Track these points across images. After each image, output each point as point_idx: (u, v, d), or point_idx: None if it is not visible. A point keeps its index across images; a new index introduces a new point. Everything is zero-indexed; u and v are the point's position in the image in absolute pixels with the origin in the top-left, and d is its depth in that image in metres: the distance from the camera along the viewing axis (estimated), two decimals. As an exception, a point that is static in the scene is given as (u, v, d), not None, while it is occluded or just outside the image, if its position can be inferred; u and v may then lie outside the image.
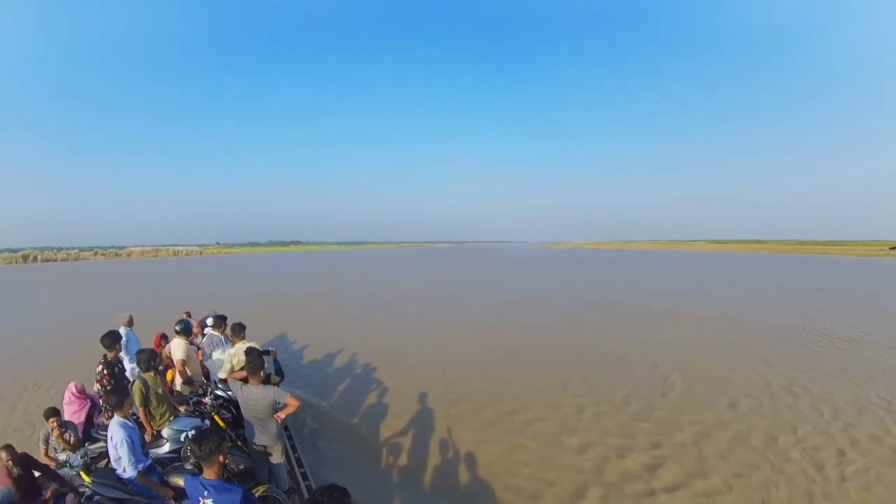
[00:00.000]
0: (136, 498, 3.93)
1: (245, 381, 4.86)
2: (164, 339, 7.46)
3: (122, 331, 7.30)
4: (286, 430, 5.85)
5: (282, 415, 4.69)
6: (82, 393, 5.92)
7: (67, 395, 5.88)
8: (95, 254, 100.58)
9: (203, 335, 7.89)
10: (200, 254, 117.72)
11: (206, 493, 2.95)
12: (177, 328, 6.89)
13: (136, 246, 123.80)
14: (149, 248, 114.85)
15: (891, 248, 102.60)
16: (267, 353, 6.04)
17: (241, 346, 6.06)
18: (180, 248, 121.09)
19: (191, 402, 6.07)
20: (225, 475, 3.23)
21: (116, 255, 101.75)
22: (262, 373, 4.70)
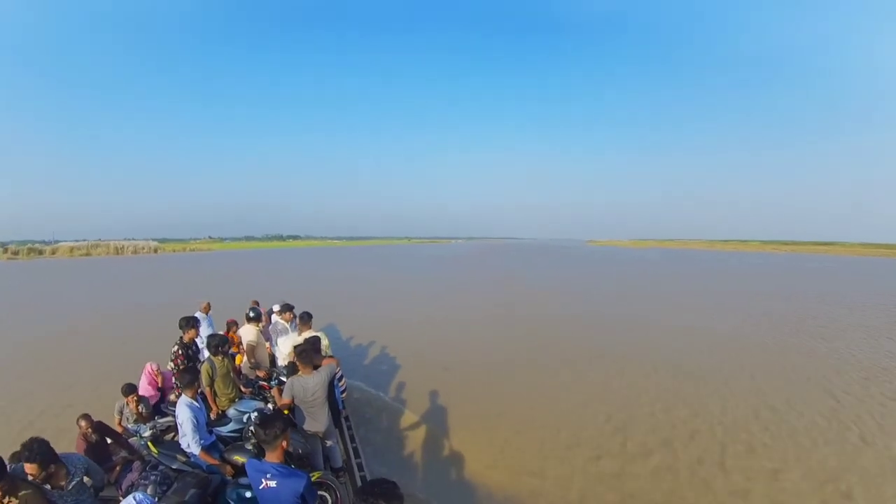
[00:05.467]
0: (196, 471, 3.94)
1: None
2: (235, 325, 7.70)
3: (198, 315, 7.63)
4: (346, 420, 5.77)
5: (343, 383, 4.61)
6: (158, 371, 6.15)
7: (144, 373, 6.13)
8: (5, 251, 75.36)
9: (270, 322, 8.08)
10: (155, 251, 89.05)
11: (269, 475, 2.92)
12: (249, 314, 7.11)
13: (78, 241, 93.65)
14: (81, 244, 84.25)
15: None
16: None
17: (308, 335, 6.07)
18: (124, 244, 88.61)
19: (255, 386, 6.19)
20: (286, 460, 3.21)
21: (40, 252, 74.70)
22: (312, 362, 4.66)
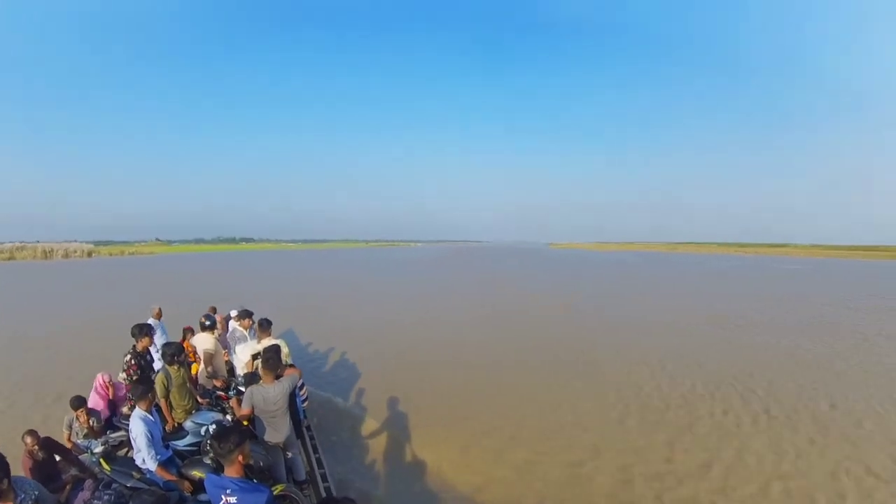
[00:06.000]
0: (153, 488, 3.85)
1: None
2: (191, 332, 7.49)
3: (151, 322, 7.37)
4: (308, 430, 5.72)
5: (304, 392, 4.60)
6: (109, 383, 5.93)
7: (95, 385, 5.90)
8: None
9: (227, 329, 7.91)
10: (90, 255, 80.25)
11: (228, 490, 2.86)
12: (205, 322, 6.94)
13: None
14: (4, 247, 75.01)
15: None
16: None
17: (267, 343, 5.98)
18: (53, 247, 77.80)
19: (213, 396, 6.06)
20: (247, 473, 3.15)
21: None
22: (277, 371, 4.63)
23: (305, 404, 5.82)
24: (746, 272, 48.80)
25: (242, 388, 5.93)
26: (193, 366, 6.66)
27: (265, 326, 6.39)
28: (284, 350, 6.07)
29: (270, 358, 4.61)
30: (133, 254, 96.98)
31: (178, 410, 5.14)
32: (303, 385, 5.75)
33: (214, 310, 8.91)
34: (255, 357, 5.95)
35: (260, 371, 4.72)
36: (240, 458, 2.99)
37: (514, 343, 13.92)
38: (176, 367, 5.17)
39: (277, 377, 4.67)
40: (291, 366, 5.64)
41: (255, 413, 4.58)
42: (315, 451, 5.52)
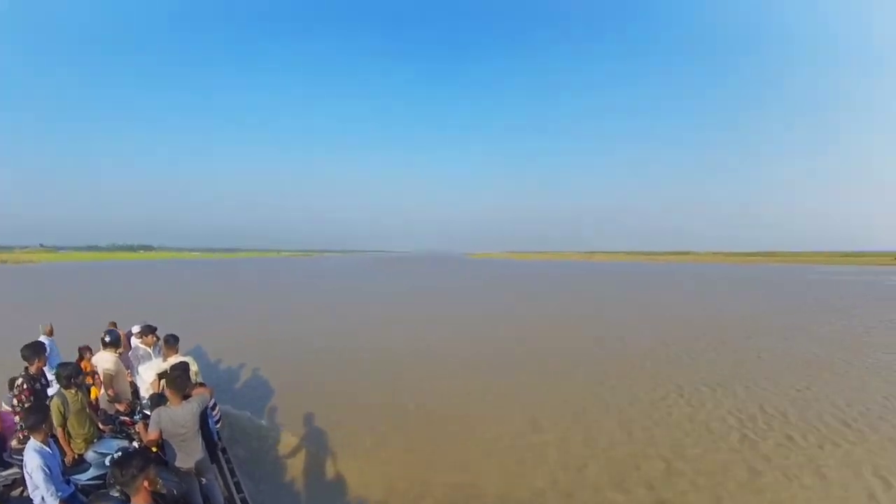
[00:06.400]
0: (55, 530, 3.69)
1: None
2: (88, 351, 6.99)
3: (43, 339, 6.80)
4: (224, 453, 5.62)
5: (216, 412, 4.56)
6: (-4, 413, 5.46)
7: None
8: None
9: (130, 347, 7.49)
10: None
11: None
12: (106, 339, 6.53)
13: None
14: None
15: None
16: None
17: (175, 361, 5.82)
18: None
19: (116, 422, 5.74)
20: (158, 502, 3.13)
21: None
22: (184, 390, 4.54)
23: (219, 425, 5.73)
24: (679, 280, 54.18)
25: (148, 412, 5.72)
26: (93, 389, 6.29)
27: (171, 343, 6.16)
28: (193, 367, 5.93)
29: (178, 377, 4.52)
30: (6, 262, 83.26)
31: (78, 440, 4.87)
32: (215, 405, 5.67)
33: (115, 325, 8.34)
34: (161, 376, 5.71)
35: (166, 391, 4.59)
36: (145, 485, 2.91)
37: (436, 352, 14.23)
38: (73, 391, 4.89)
39: (186, 397, 4.59)
40: (201, 384, 5.51)
41: (164, 437, 4.47)
42: (233, 474, 5.41)
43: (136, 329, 7.57)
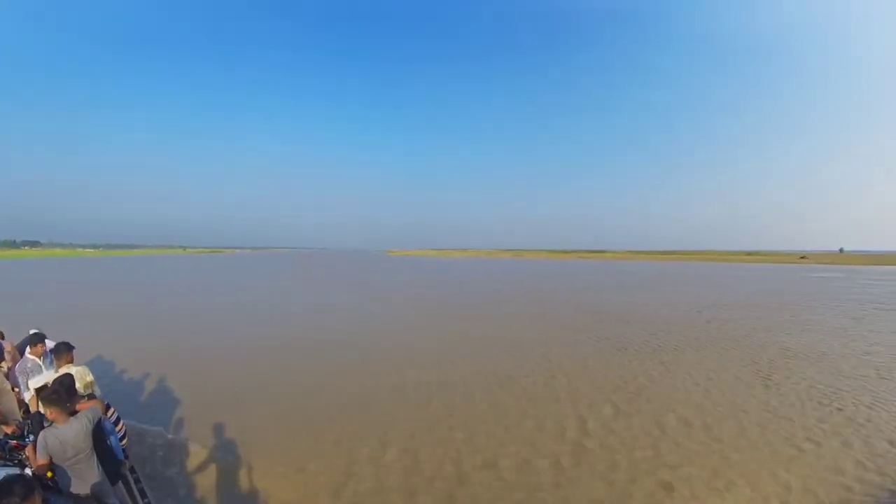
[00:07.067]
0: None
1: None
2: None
3: None
4: (132, 472, 4.92)
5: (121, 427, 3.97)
6: None
7: None
8: None
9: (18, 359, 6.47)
10: None
11: None
12: (-16, 351, 5.57)
13: None
14: None
15: (801, 258, 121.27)
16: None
17: (68, 372, 5.03)
18: None
19: (5, 448, 4.88)
20: None
21: None
22: (66, 406, 3.90)
23: (124, 441, 5.00)
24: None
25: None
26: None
27: (63, 351, 5.35)
28: (87, 378, 5.26)
29: (53, 392, 3.86)
30: None
31: (-44, 472, 4.09)
32: (118, 419, 4.94)
33: (2, 335, 7.22)
34: (38, 392, 4.93)
35: (44, 410, 3.92)
36: None
37: (346, 356, 13.55)
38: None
39: (72, 413, 3.95)
40: (91, 396, 4.80)
41: (55, 462, 3.83)
42: (143, 495, 4.80)
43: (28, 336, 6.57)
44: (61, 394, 3.88)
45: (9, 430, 5.22)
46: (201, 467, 6.62)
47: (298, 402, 9.29)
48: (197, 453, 6.97)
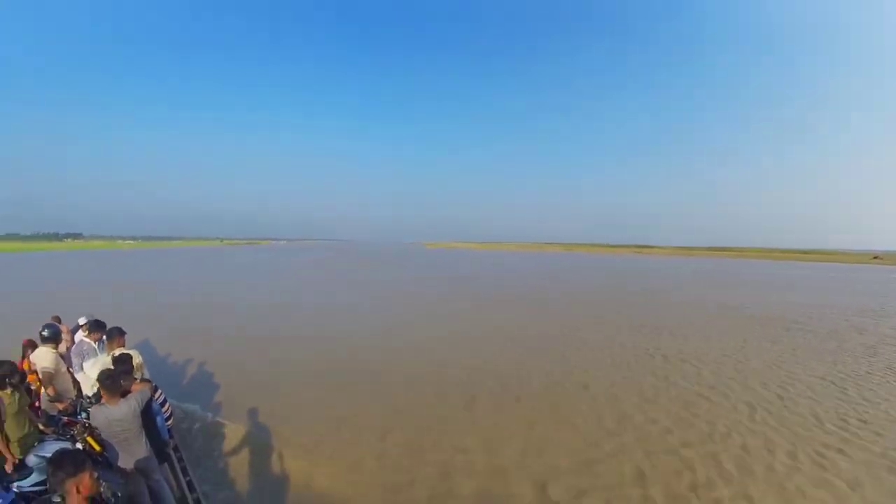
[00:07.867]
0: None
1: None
2: (31, 348, 6.60)
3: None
4: (176, 451, 5.47)
5: (167, 408, 4.44)
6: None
7: None
8: None
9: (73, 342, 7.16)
10: None
11: None
12: (44, 333, 6.18)
13: None
14: None
15: (873, 258, 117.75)
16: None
17: (128, 352, 5.64)
18: None
19: (60, 423, 5.48)
20: None
21: None
22: (117, 389, 4.41)
23: (170, 422, 5.59)
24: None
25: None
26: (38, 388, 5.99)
27: (115, 335, 5.94)
28: (137, 360, 5.75)
29: (109, 376, 4.39)
30: None
31: (18, 444, 4.69)
32: (165, 401, 5.53)
33: (59, 319, 7.87)
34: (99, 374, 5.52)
35: (101, 390, 4.46)
36: (78, 489, 2.78)
37: (387, 346, 14.10)
38: (9, 392, 4.67)
39: (124, 394, 4.48)
40: (145, 380, 5.37)
41: (105, 437, 4.38)
42: (185, 473, 5.28)
43: (82, 321, 7.25)
44: (115, 377, 4.42)
45: (62, 407, 5.84)
46: (246, 447, 7.05)
47: (344, 392, 9.57)
48: (242, 434, 7.40)
